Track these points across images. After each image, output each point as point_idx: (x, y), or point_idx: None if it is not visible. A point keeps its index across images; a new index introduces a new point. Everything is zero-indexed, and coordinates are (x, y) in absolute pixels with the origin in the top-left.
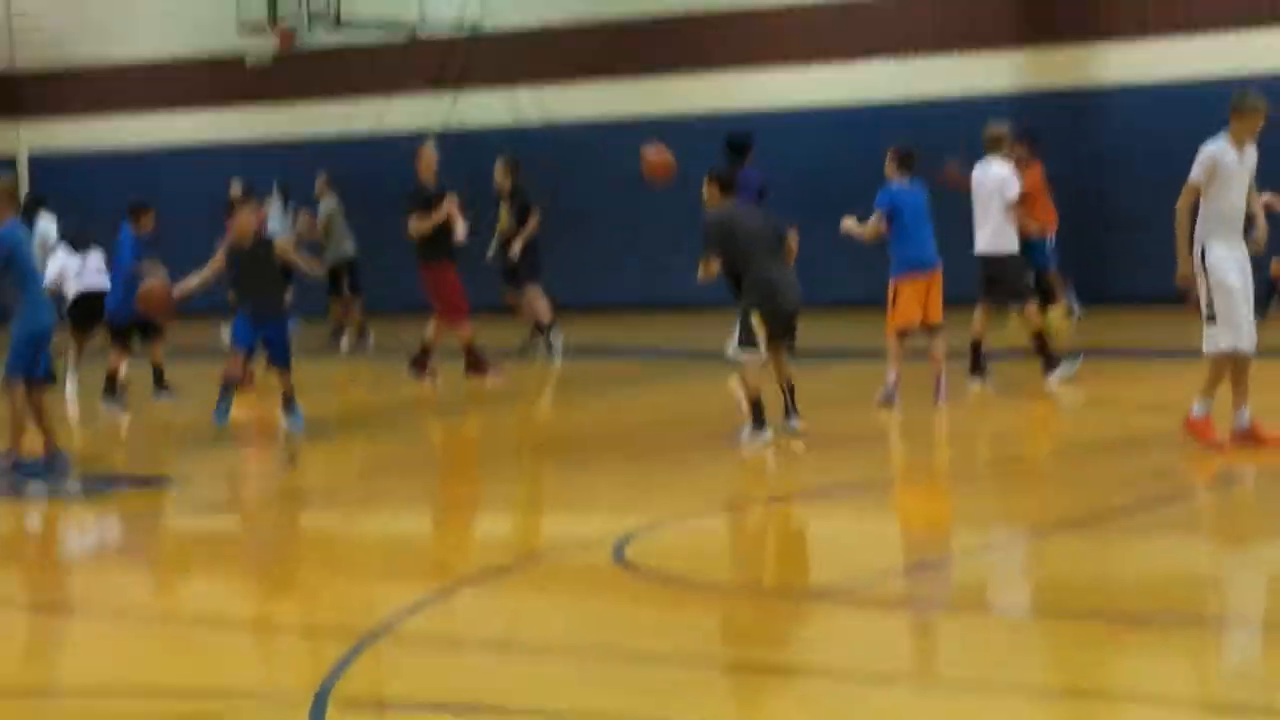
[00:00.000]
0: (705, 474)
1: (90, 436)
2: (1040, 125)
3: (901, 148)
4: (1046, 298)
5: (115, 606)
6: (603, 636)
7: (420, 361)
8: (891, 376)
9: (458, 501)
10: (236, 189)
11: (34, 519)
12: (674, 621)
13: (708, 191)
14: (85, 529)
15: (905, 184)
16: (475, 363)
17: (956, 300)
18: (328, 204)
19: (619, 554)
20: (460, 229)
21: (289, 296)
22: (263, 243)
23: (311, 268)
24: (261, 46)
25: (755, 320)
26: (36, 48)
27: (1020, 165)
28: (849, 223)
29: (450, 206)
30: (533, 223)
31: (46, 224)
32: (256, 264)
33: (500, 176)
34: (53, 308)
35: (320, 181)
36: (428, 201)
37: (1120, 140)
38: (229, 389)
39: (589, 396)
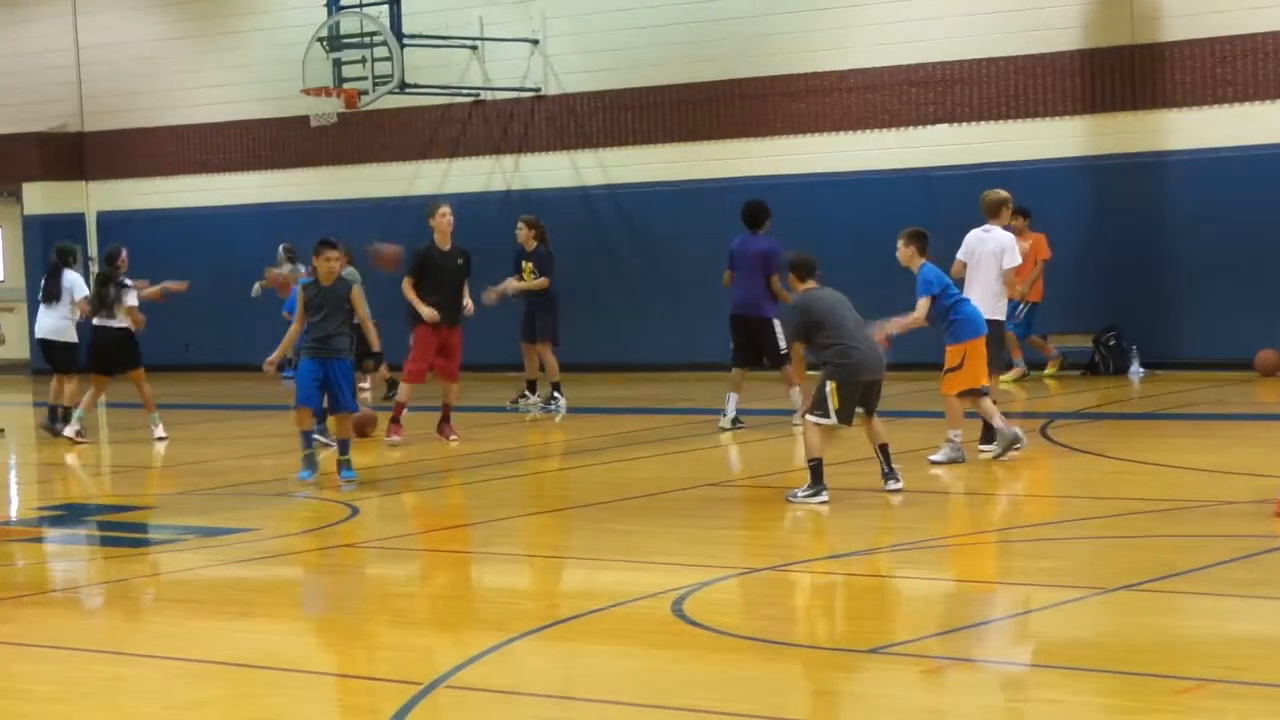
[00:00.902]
0: (763, 530)
1: (158, 482)
2: (1103, 191)
3: (918, 231)
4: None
5: (175, 652)
6: (661, 691)
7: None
8: (958, 436)
9: (514, 554)
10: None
11: (100, 565)
12: (732, 677)
13: (791, 283)
14: (148, 575)
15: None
16: (395, 419)
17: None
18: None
19: (678, 608)
20: (467, 304)
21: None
22: (340, 282)
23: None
24: (326, 106)
25: (829, 390)
26: (105, 110)
27: (1020, 236)
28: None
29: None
30: (540, 283)
31: (75, 277)
32: (324, 301)
33: (524, 236)
34: None
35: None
36: (428, 267)
37: (1183, 206)
38: (308, 438)
39: (648, 452)
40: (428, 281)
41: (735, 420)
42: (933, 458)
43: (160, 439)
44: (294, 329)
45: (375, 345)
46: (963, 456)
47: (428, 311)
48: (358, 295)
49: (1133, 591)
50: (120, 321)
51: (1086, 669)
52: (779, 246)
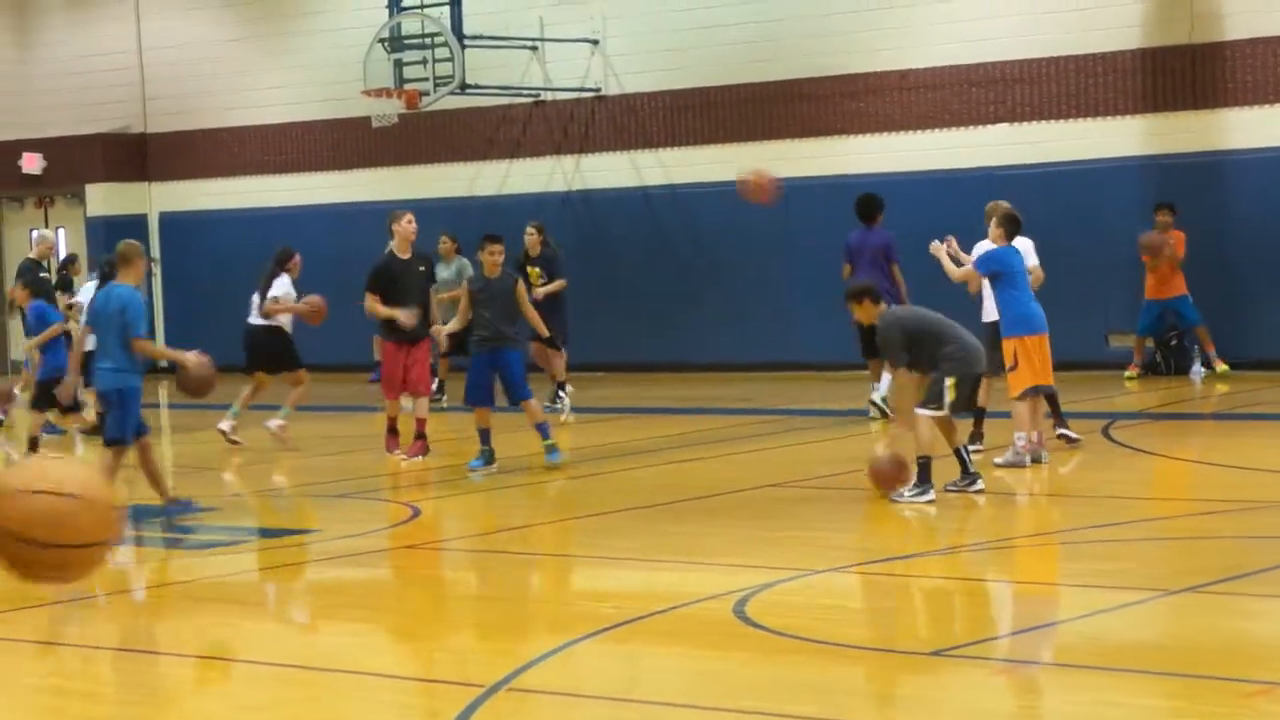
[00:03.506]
0: (827, 531)
1: (222, 483)
2: (1167, 190)
3: (1008, 211)
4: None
5: (238, 654)
6: (723, 693)
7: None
8: (1021, 440)
9: (577, 555)
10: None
11: (164, 567)
12: (795, 679)
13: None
14: (212, 577)
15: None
16: (392, 430)
17: None
18: None
19: (739, 610)
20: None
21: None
22: (506, 276)
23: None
24: (387, 107)
25: (948, 384)
26: (167, 111)
27: (1167, 233)
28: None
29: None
30: (561, 284)
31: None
32: (492, 295)
33: (532, 241)
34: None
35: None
36: (391, 279)
37: (1245, 205)
38: (485, 437)
39: (709, 453)
40: (389, 292)
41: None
42: (996, 460)
43: (268, 425)
44: (456, 325)
45: (544, 331)
46: (1023, 460)
47: (403, 315)
48: (522, 289)
49: (1197, 593)
50: (275, 320)
51: (1151, 672)
52: (891, 239)
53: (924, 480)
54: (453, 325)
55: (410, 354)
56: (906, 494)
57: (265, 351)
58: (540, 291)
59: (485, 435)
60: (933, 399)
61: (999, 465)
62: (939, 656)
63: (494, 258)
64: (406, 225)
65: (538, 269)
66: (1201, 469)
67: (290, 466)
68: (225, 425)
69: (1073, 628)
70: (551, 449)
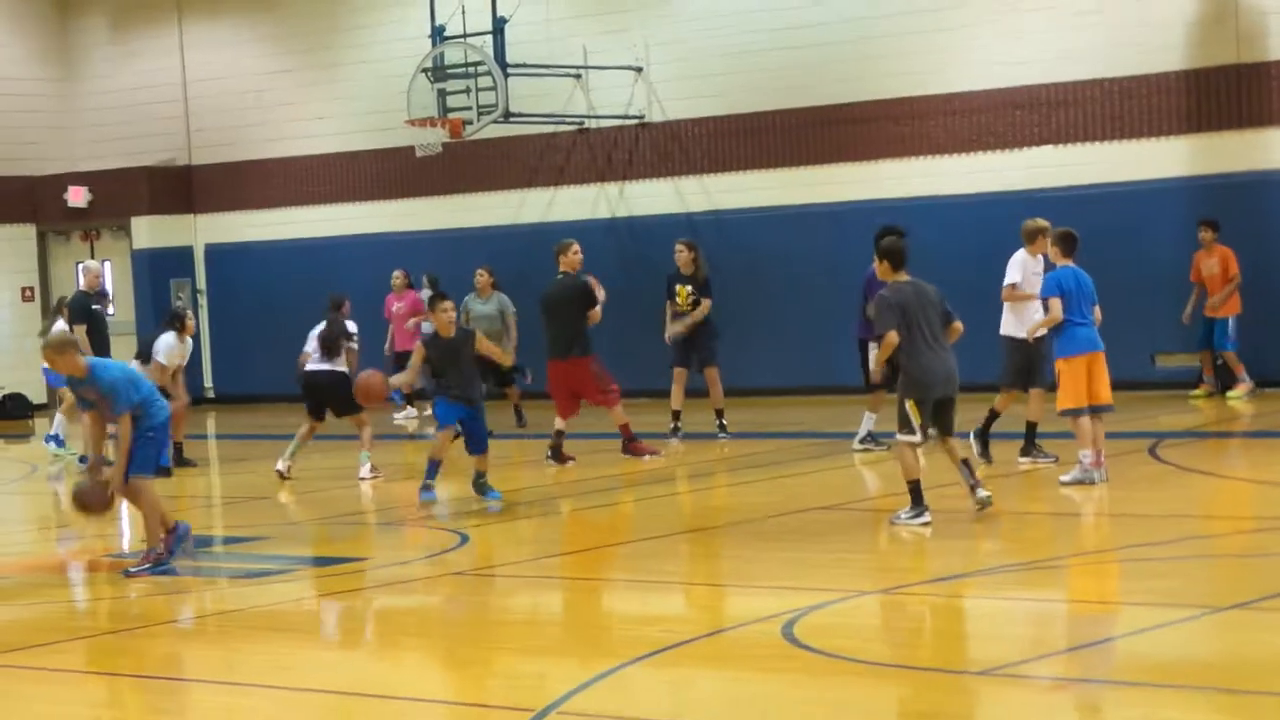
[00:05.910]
0: (873, 553)
1: (268, 512)
2: (1209, 210)
3: (1063, 232)
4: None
5: (288, 682)
6: (771, 715)
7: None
8: (1087, 457)
9: (627, 579)
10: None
11: (212, 596)
12: (845, 700)
13: (878, 268)
14: (260, 606)
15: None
16: (637, 443)
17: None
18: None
19: (788, 632)
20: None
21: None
22: (462, 333)
23: (504, 357)
24: (431, 137)
25: (909, 407)
26: (212, 144)
27: (1208, 250)
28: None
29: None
30: (701, 312)
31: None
32: (454, 354)
33: (684, 260)
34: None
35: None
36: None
37: None
38: (434, 467)
39: (753, 477)
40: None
41: (864, 439)
42: (1062, 478)
43: (364, 478)
44: (409, 377)
45: (506, 361)
46: (1091, 478)
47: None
48: (483, 342)
49: (1246, 610)
50: (339, 365)
51: (1200, 688)
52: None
53: (917, 503)
54: (401, 378)
55: (561, 371)
56: (902, 517)
57: (332, 396)
58: (689, 323)
59: (434, 468)
60: (903, 424)
61: (1064, 483)
62: (988, 676)
63: (446, 315)
64: (574, 256)
65: (688, 288)
66: (1248, 487)
67: (338, 495)
68: (281, 466)
69: (1121, 645)
70: (490, 489)
